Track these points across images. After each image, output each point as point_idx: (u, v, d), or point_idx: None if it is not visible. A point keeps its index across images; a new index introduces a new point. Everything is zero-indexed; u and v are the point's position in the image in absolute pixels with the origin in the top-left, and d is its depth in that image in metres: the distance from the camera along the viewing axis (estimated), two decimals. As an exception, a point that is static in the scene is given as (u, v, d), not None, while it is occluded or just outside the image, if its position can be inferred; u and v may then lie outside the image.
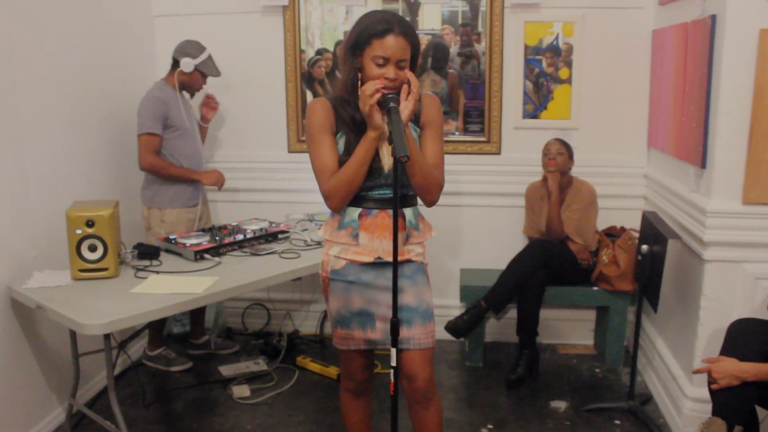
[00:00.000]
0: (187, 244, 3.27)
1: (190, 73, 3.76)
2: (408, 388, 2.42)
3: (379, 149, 2.28)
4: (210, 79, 3.91)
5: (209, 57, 3.81)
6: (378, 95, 2.15)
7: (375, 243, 2.34)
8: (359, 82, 2.25)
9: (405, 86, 2.22)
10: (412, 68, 2.26)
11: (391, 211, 2.32)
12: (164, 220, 3.75)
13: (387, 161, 2.29)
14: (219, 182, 3.90)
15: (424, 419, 2.45)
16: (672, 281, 3.42)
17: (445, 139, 4.07)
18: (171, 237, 3.41)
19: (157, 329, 3.94)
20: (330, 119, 2.32)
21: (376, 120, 2.18)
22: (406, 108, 2.18)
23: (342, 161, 2.29)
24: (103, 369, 3.12)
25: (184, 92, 3.86)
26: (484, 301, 3.78)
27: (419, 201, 2.42)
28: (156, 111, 3.64)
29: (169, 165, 3.71)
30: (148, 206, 3.78)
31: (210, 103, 4.08)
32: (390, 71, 2.19)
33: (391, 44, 2.17)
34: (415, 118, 2.37)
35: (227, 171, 4.29)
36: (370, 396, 2.66)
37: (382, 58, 2.18)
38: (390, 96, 2.15)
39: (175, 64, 3.77)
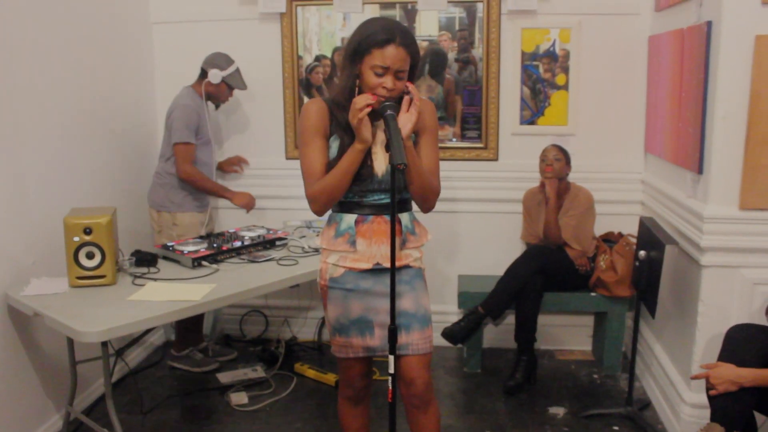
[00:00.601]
0: (185, 252, 3.26)
1: (217, 85, 3.84)
2: (406, 393, 2.42)
3: (372, 155, 2.29)
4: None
5: (237, 70, 3.89)
6: (368, 110, 2.15)
7: (373, 249, 2.34)
8: (357, 89, 2.26)
9: (407, 98, 2.22)
10: (411, 79, 2.27)
11: (387, 216, 2.32)
12: (176, 223, 3.79)
13: (379, 167, 2.30)
14: (249, 205, 3.98)
15: (422, 424, 2.45)
16: (669, 287, 3.42)
17: (443, 145, 4.11)
18: (169, 244, 3.42)
19: (186, 330, 3.98)
20: (324, 122, 2.32)
21: (364, 134, 2.19)
22: (409, 121, 2.19)
23: (332, 165, 2.29)
24: (101, 376, 3.11)
25: (209, 102, 3.92)
26: (481, 307, 3.78)
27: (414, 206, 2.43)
28: (191, 120, 3.73)
29: (205, 179, 3.83)
30: (157, 210, 3.82)
31: (238, 164, 4.29)
32: (388, 81, 2.19)
33: (392, 54, 2.17)
34: None
35: (225, 178, 4.31)
36: (368, 403, 2.65)
37: (381, 68, 2.18)
38: (387, 104, 2.16)
39: (203, 74, 3.84)
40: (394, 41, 2.17)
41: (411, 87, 2.22)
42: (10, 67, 2.99)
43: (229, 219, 4.36)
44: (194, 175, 3.76)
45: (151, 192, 3.87)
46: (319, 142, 2.32)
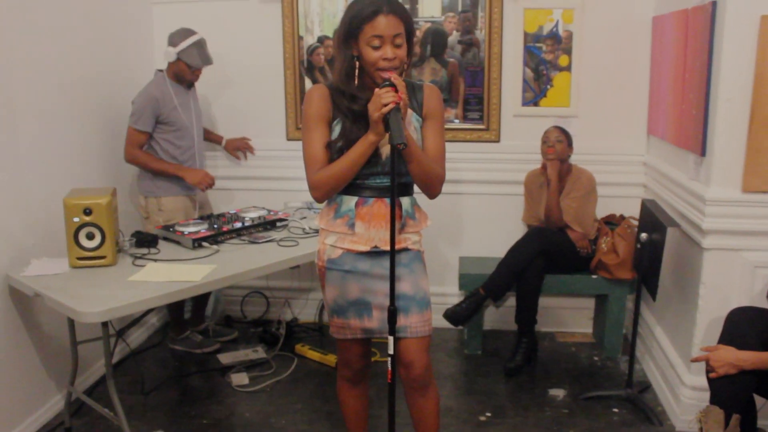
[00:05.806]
0: (185, 232, 3.26)
1: (176, 63, 3.66)
2: (405, 375, 2.42)
3: None
4: (208, 67, 3.78)
5: (193, 44, 3.63)
6: (393, 106, 2.08)
7: (371, 232, 2.33)
8: (356, 71, 2.24)
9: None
10: (409, 46, 2.24)
11: (387, 200, 2.31)
12: (162, 209, 3.73)
13: (385, 149, 2.28)
14: (203, 183, 3.73)
15: (421, 407, 2.45)
16: (671, 269, 3.41)
17: (445, 126, 4.07)
18: (169, 225, 3.41)
19: (178, 314, 3.98)
20: (326, 107, 2.31)
21: (381, 128, 2.15)
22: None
23: (336, 147, 2.27)
24: (102, 357, 3.12)
25: (182, 84, 3.75)
26: (482, 288, 3.78)
27: (417, 190, 2.42)
28: (147, 109, 3.58)
29: (151, 159, 3.66)
30: (144, 195, 3.77)
31: (243, 147, 4.26)
32: (387, 51, 2.17)
33: (383, 23, 2.15)
34: (418, 109, 2.36)
35: (225, 159, 4.30)
36: (367, 384, 2.66)
37: (376, 38, 2.16)
38: (387, 83, 2.13)
39: None
40: (381, 11, 2.15)
41: (396, 79, 2.14)
42: (7, 47, 2.98)
43: (229, 200, 4.35)
44: (138, 158, 3.63)
45: (139, 178, 3.79)
46: (322, 129, 2.30)
